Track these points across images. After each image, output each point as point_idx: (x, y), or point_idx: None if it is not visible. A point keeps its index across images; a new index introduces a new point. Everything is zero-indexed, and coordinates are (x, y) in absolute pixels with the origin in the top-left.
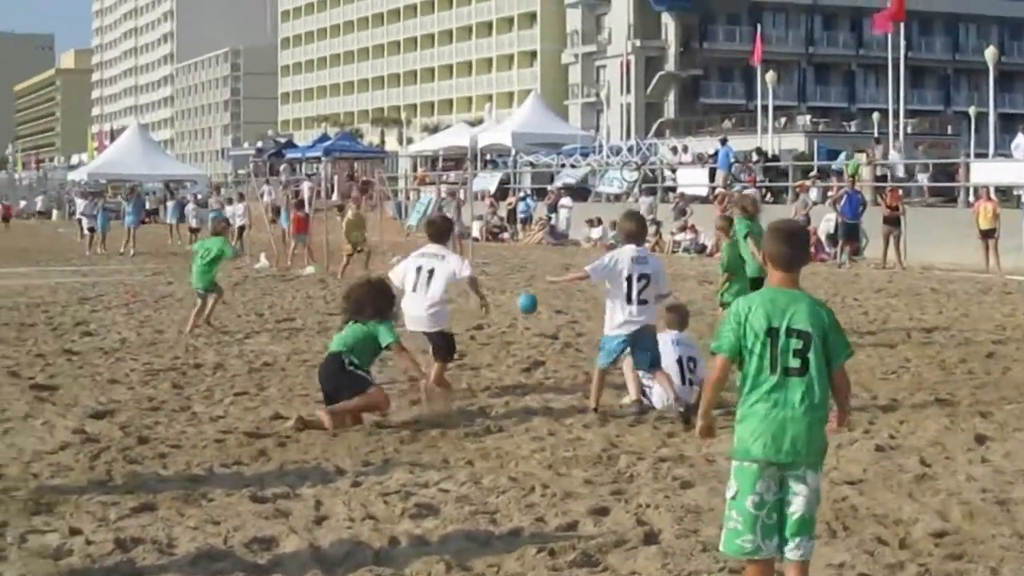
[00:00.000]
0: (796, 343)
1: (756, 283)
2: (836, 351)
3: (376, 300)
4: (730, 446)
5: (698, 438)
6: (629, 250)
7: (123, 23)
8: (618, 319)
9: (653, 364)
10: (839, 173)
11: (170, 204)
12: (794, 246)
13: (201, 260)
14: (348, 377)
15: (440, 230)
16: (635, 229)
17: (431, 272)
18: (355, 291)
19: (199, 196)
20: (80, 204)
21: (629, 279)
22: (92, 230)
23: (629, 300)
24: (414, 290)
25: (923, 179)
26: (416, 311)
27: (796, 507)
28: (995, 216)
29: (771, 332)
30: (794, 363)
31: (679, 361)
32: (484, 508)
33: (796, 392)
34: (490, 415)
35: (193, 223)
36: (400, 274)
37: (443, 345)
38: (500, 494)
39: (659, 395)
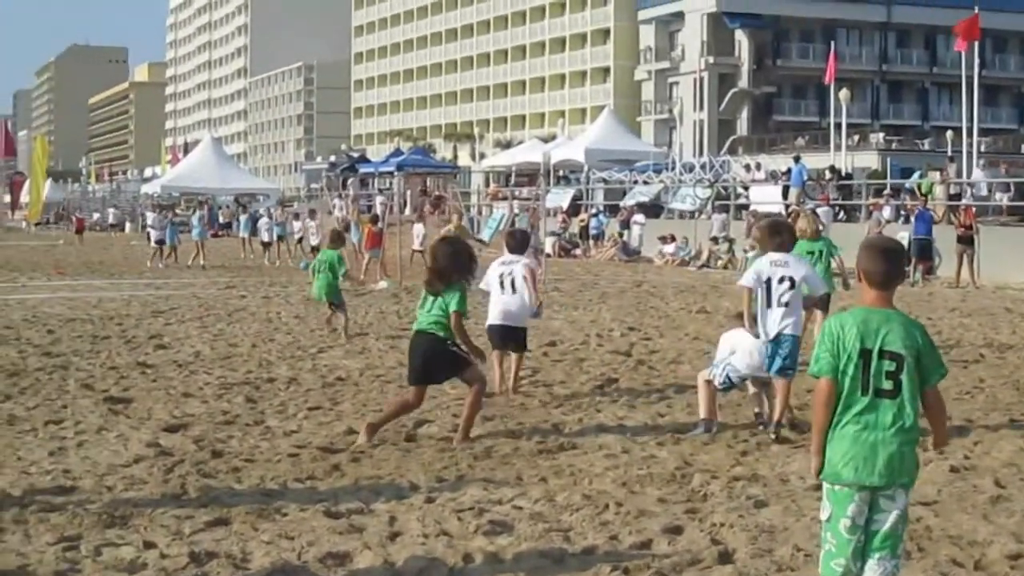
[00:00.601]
0: (888, 365)
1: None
2: (929, 371)
3: (458, 262)
4: (824, 468)
5: (814, 477)
6: (771, 255)
7: (197, 37)
8: (762, 323)
9: (782, 372)
10: (912, 192)
11: (242, 218)
12: (890, 263)
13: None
14: (451, 357)
15: (520, 242)
16: (779, 236)
17: (512, 276)
18: (439, 259)
19: (271, 210)
20: (150, 217)
21: (768, 282)
22: (160, 243)
23: (769, 304)
24: (503, 291)
25: (1004, 198)
26: (507, 307)
27: (882, 524)
28: None
29: (864, 353)
30: (886, 385)
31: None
32: (558, 526)
33: (887, 414)
34: (563, 432)
35: (265, 237)
36: (485, 284)
37: (523, 339)
38: (574, 512)
39: (742, 360)
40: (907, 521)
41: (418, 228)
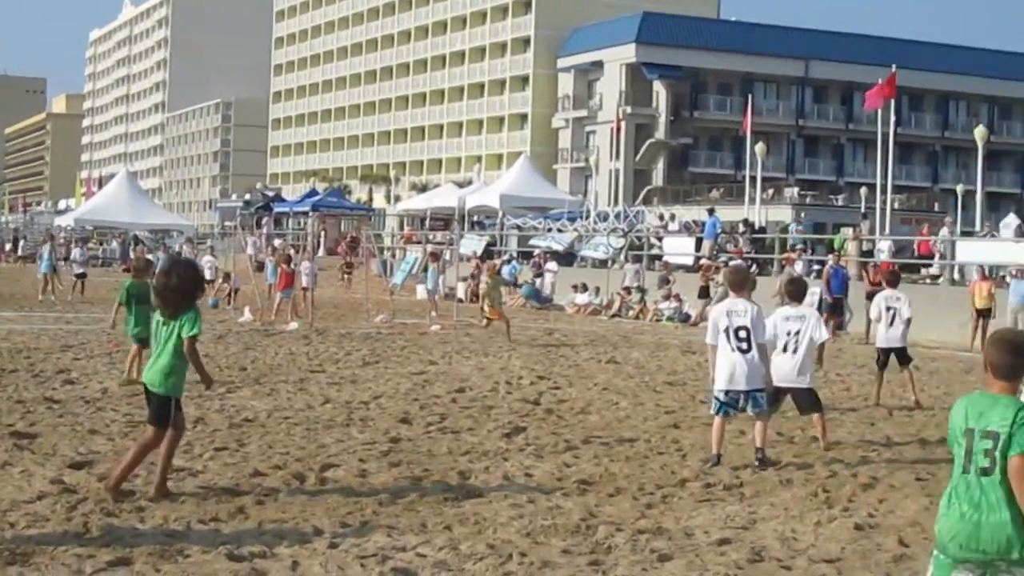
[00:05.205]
0: (987, 443)
1: None
2: (1016, 442)
3: (196, 282)
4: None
5: None
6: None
7: (116, 70)
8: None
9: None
10: (796, 246)
11: (160, 255)
12: (1017, 356)
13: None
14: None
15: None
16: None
17: (798, 333)
18: (182, 280)
19: (183, 247)
20: (45, 250)
21: (727, 331)
22: (81, 276)
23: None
24: (784, 351)
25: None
26: (782, 369)
27: None
28: (990, 295)
29: (968, 433)
30: (985, 463)
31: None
32: (461, 574)
33: (990, 492)
34: (469, 480)
35: None
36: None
37: (804, 399)
38: (478, 561)
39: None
40: None
41: (306, 266)
